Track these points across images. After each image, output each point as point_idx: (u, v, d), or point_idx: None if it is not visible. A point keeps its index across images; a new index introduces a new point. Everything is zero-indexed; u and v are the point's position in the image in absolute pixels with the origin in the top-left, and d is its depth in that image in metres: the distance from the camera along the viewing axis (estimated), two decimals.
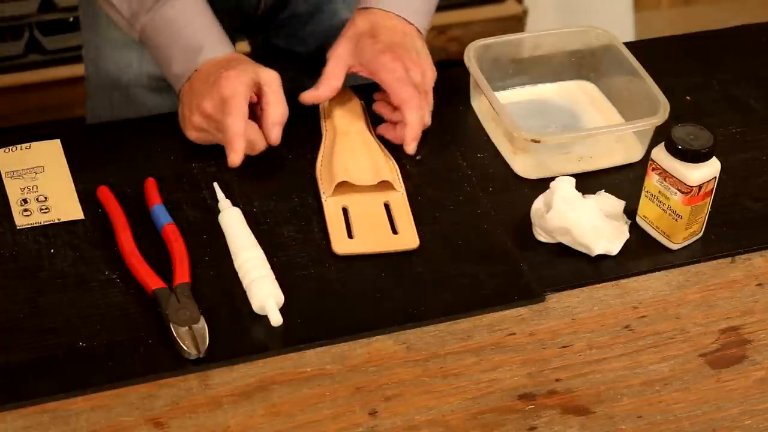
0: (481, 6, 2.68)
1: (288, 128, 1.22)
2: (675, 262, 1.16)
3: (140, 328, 1.06)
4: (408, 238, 1.16)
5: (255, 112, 1.21)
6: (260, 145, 1.19)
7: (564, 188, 1.15)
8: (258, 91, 1.20)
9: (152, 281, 1.08)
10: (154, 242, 1.13)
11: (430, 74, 1.26)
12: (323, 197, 1.19)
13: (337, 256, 1.14)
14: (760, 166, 1.29)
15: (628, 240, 1.17)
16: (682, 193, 1.13)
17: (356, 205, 1.19)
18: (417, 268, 1.14)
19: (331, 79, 1.24)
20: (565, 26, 1.43)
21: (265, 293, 1.07)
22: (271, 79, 1.19)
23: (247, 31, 1.49)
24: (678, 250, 1.17)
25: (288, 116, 1.21)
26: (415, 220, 1.18)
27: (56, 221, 1.16)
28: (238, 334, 1.06)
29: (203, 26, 1.22)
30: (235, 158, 1.17)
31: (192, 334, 1.04)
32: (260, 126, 1.20)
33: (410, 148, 1.22)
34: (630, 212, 1.19)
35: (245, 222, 1.15)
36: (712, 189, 1.14)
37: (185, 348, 1.03)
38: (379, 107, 1.27)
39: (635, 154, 1.27)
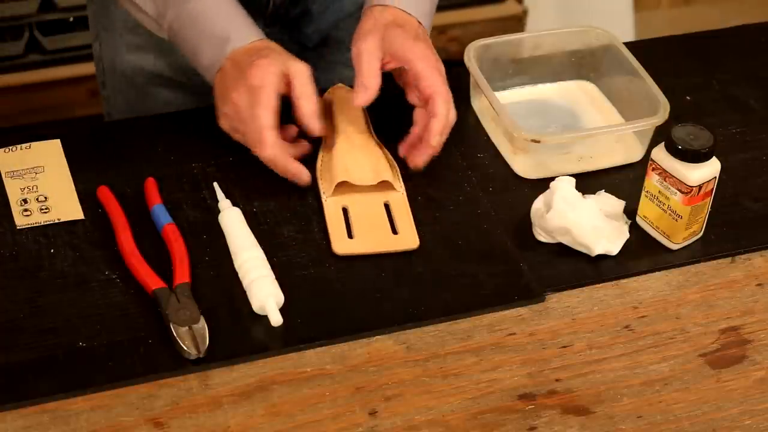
0: (481, 6, 2.68)
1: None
2: (675, 262, 1.16)
3: (140, 328, 1.06)
4: (408, 239, 1.16)
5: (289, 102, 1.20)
6: (305, 178, 1.18)
7: (564, 188, 1.15)
8: (288, 83, 1.18)
9: (152, 281, 1.08)
10: (154, 242, 1.13)
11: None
12: (323, 197, 1.19)
13: (338, 256, 1.14)
14: (760, 166, 1.29)
15: (628, 240, 1.17)
16: (682, 193, 1.13)
17: (356, 205, 1.19)
18: (417, 268, 1.14)
19: (372, 77, 1.19)
20: (565, 26, 1.43)
21: (265, 293, 1.07)
22: (299, 71, 1.17)
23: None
24: (678, 250, 1.17)
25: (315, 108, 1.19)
26: (415, 220, 1.18)
27: (56, 221, 1.16)
28: (238, 334, 1.06)
29: (229, 15, 1.21)
30: (267, 151, 1.15)
31: (192, 334, 1.04)
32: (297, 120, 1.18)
33: (434, 141, 1.19)
34: (630, 212, 1.19)
35: (245, 222, 1.15)
36: (712, 189, 1.14)
37: (185, 348, 1.03)
38: (411, 96, 1.24)
39: (635, 154, 1.27)
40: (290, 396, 1.02)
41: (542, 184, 1.19)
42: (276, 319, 1.06)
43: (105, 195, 1.18)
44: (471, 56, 1.29)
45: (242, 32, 1.20)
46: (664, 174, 1.13)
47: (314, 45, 1.41)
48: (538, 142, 1.22)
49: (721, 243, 1.18)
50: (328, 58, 1.45)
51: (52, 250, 1.14)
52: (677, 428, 1.01)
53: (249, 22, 1.22)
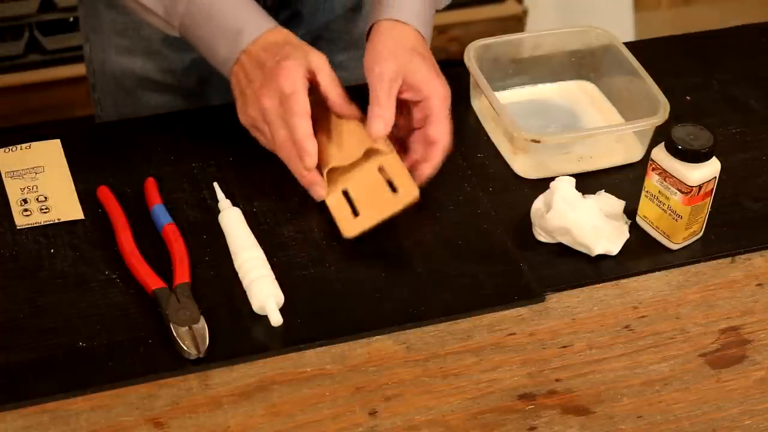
0: (481, 6, 2.68)
1: None
2: (675, 262, 1.16)
3: (140, 328, 1.06)
4: (407, 193, 1.15)
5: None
6: (322, 193, 1.18)
7: (564, 188, 1.15)
8: (311, 78, 1.17)
9: (152, 281, 1.08)
10: (154, 242, 1.13)
11: None
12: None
13: (336, 256, 1.14)
14: (760, 166, 1.29)
15: (628, 240, 1.17)
16: (682, 193, 1.13)
17: (354, 183, 1.18)
18: (417, 268, 1.14)
19: (390, 109, 1.16)
20: (565, 26, 1.43)
21: (265, 293, 1.07)
22: (321, 64, 1.17)
23: None
24: (678, 250, 1.17)
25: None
26: (415, 220, 1.18)
27: (56, 221, 1.16)
28: (238, 334, 1.06)
29: (239, 6, 1.20)
30: (309, 162, 1.14)
31: (192, 334, 1.04)
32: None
33: (421, 182, 1.18)
34: (630, 212, 1.19)
35: (245, 222, 1.15)
36: (712, 189, 1.14)
37: (185, 348, 1.03)
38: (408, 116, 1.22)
39: (635, 154, 1.27)
40: (290, 396, 1.02)
41: (542, 184, 1.19)
42: (276, 319, 1.06)
43: (105, 195, 1.18)
44: (471, 56, 1.29)
45: (254, 22, 1.19)
46: (664, 174, 1.13)
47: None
48: (538, 142, 1.22)
49: (721, 243, 1.18)
50: None
51: (52, 250, 1.14)
52: (677, 428, 1.01)
53: (260, 10, 1.21)
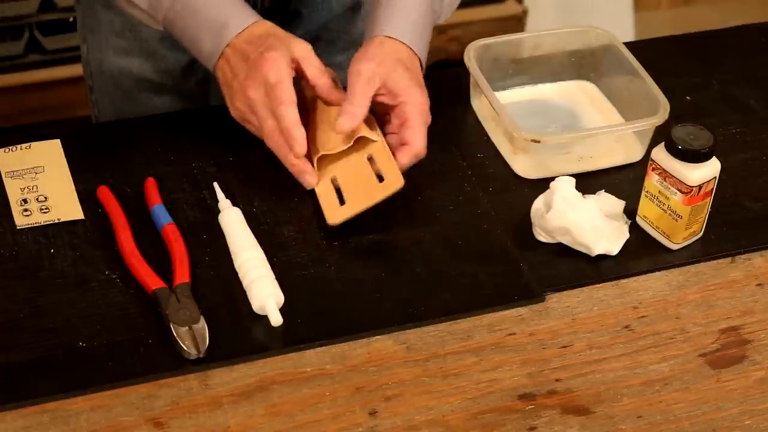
0: (481, 6, 2.68)
1: None
2: (675, 262, 1.16)
3: (140, 328, 1.06)
4: (392, 182, 1.16)
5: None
6: (312, 181, 1.19)
7: (564, 188, 1.15)
8: (295, 67, 1.18)
9: (152, 281, 1.08)
10: (154, 242, 1.13)
11: None
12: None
13: (336, 256, 1.14)
14: (760, 166, 1.29)
15: (628, 240, 1.17)
16: (682, 193, 1.13)
17: (342, 171, 1.19)
18: (417, 268, 1.14)
19: (361, 105, 1.18)
20: (565, 26, 1.43)
21: (265, 293, 1.07)
22: (305, 53, 1.18)
23: None
24: (678, 250, 1.17)
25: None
26: (415, 220, 1.18)
27: (56, 221, 1.16)
28: (238, 334, 1.06)
29: (223, 3, 1.21)
30: (299, 149, 1.15)
31: (192, 334, 1.04)
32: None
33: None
34: (630, 212, 1.19)
35: (245, 222, 1.15)
36: (712, 189, 1.14)
37: (185, 348, 1.03)
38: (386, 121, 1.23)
39: (635, 154, 1.27)
40: (290, 396, 1.02)
41: (542, 184, 1.19)
42: (276, 319, 1.06)
43: (105, 195, 1.18)
44: (471, 56, 1.29)
45: (239, 15, 1.20)
46: (664, 174, 1.13)
47: None
48: (538, 142, 1.22)
49: (721, 243, 1.18)
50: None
51: (52, 250, 1.14)
52: (677, 428, 1.01)
53: (244, 4, 1.21)
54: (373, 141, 1.20)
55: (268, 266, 1.10)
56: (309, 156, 1.20)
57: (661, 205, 1.15)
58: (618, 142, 1.27)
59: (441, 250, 1.16)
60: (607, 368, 1.06)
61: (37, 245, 1.14)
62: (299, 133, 1.15)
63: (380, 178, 1.18)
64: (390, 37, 1.22)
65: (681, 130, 1.13)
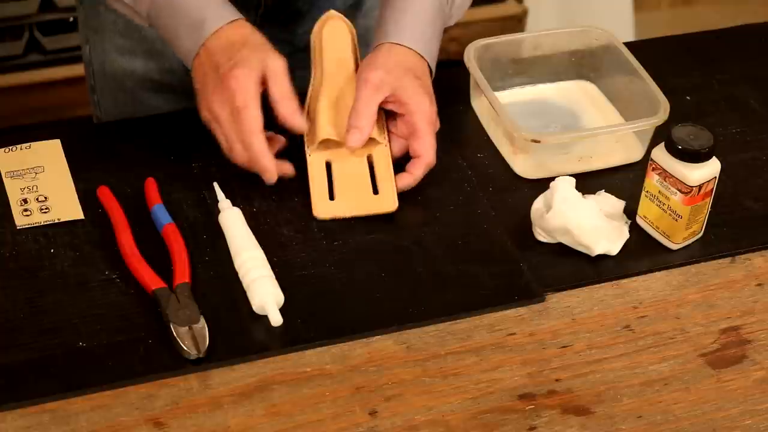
0: (481, 6, 2.68)
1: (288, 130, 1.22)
2: (675, 262, 1.16)
3: (140, 328, 1.06)
4: (387, 201, 1.17)
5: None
6: (289, 171, 1.18)
7: (564, 188, 1.15)
8: (265, 81, 1.17)
9: (152, 281, 1.08)
10: (154, 242, 1.13)
11: None
12: (307, 152, 1.20)
13: (336, 256, 1.14)
14: (760, 166, 1.29)
15: (628, 240, 1.17)
16: (682, 193, 1.13)
17: (340, 160, 1.20)
18: (417, 268, 1.14)
19: (367, 120, 1.18)
20: (565, 26, 1.43)
21: (265, 293, 1.07)
22: (276, 71, 1.16)
23: None
24: (678, 250, 1.17)
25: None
26: (415, 220, 1.18)
27: (56, 221, 1.16)
28: (238, 334, 1.06)
29: (202, 1, 1.19)
30: (269, 177, 1.16)
31: (192, 334, 1.04)
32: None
33: (398, 190, 1.20)
34: (630, 212, 1.19)
35: (245, 222, 1.15)
36: (712, 189, 1.14)
37: (185, 348, 1.03)
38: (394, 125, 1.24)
39: (635, 154, 1.27)
40: (290, 396, 1.02)
41: (542, 184, 1.19)
42: (276, 319, 1.06)
43: (105, 195, 1.18)
44: (471, 56, 1.29)
45: (217, 13, 1.19)
46: (664, 174, 1.13)
47: (305, 45, 1.41)
48: (538, 142, 1.22)
49: (721, 243, 1.18)
50: None
51: (52, 250, 1.13)
52: (677, 428, 1.01)
53: (225, 2, 1.20)
54: (378, 143, 1.20)
55: (268, 266, 1.10)
56: (311, 129, 1.20)
57: (661, 205, 1.15)
58: (618, 142, 1.27)
59: (441, 250, 1.16)
60: (607, 368, 1.06)
61: (37, 245, 1.14)
62: (268, 162, 1.15)
63: (374, 185, 1.19)
64: (399, 44, 1.22)
65: (681, 130, 1.13)
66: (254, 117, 1.14)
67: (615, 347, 1.08)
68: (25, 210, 1.17)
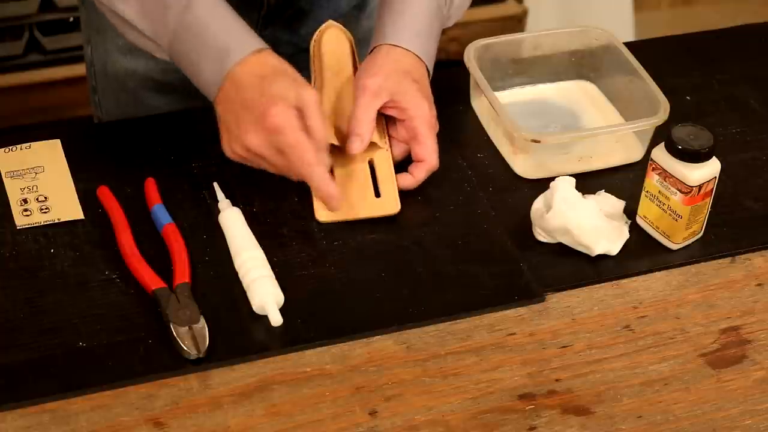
0: (481, 6, 2.68)
1: None
2: (675, 262, 1.16)
3: (140, 328, 1.06)
4: (389, 204, 1.17)
5: None
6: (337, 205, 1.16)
7: (564, 188, 1.15)
8: (299, 114, 1.14)
9: (152, 281, 1.08)
10: (154, 242, 1.13)
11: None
12: None
13: (336, 256, 1.14)
14: (760, 166, 1.29)
15: (628, 240, 1.17)
16: (682, 193, 1.13)
17: (341, 165, 1.20)
18: (417, 268, 1.14)
19: (366, 126, 1.18)
20: (565, 26, 1.43)
21: (265, 293, 1.07)
22: (310, 104, 1.13)
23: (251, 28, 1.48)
24: (678, 250, 1.17)
25: None
26: (415, 220, 1.18)
27: (56, 221, 1.16)
28: (238, 334, 1.06)
29: (228, 28, 1.17)
30: (337, 204, 1.14)
31: (192, 334, 1.04)
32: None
33: (400, 188, 1.20)
34: (630, 212, 1.19)
35: (245, 222, 1.15)
36: (712, 189, 1.14)
37: (185, 348, 1.03)
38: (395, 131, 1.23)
39: (635, 154, 1.27)
40: (290, 396, 1.02)
41: (542, 184, 1.19)
42: (276, 319, 1.06)
43: (105, 195, 1.18)
44: (471, 56, 1.29)
45: (242, 43, 1.16)
46: (664, 174, 1.13)
47: (308, 45, 1.42)
48: (538, 142, 1.22)
49: (721, 243, 1.18)
50: None
51: (52, 250, 1.14)
52: (677, 428, 1.01)
53: (247, 30, 1.18)
54: (379, 147, 1.20)
55: (268, 266, 1.10)
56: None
57: (661, 205, 1.15)
58: (618, 142, 1.27)
59: (441, 250, 1.16)
60: (607, 368, 1.06)
61: (37, 245, 1.14)
62: (333, 190, 1.13)
63: (376, 188, 1.19)
64: (396, 46, 1.22)
65: (681, 130, 1.13)
66: (310, 150, 1.12)
67: (615, 347, 1.08)
68: (25, 210, 1.17)
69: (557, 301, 1.12)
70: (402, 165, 1.22)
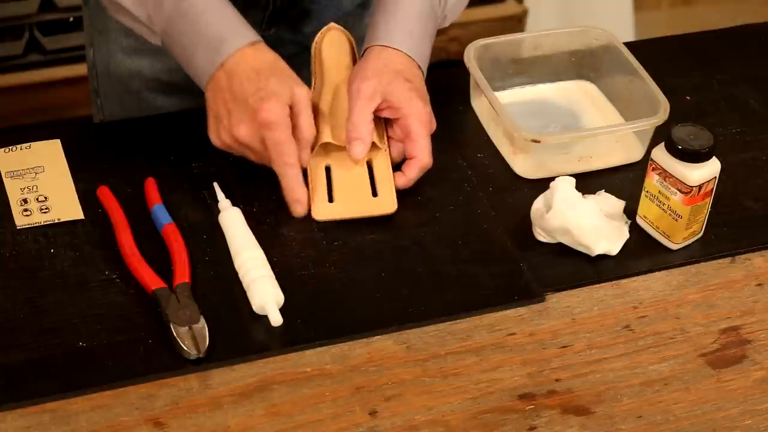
0: (481, 6, 2.68)
1: None
2: (675, 262, 1.16)
3: (140, 328, 1.06)
4: (386, 203, 1.18)
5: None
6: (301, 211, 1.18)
7: (564, 188, 1.15)
8: (291, 110, 1.16)
9: (152, 281, 1.08)
10: (154, 242, 1.13)
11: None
12: None
13: (336, 256, 1.14)
14: (760, 166, 1.29)
15: (628, 240, 1.17)
16: (682, 193, 1.13)
17: (339, 164, 1.20)
18: (417, 268, 1.14)
19: (363, 129, 1.19)
20: (565, 26, 1.43)
21: (265, 293, 1.07)
22: (303, 101, 1.15)
23: (256, 28, 1.48)
24: (678, 250, 1.17)
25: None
26: (415, 220, 1.18)
27: (56, 221, 1.16)
28: (238, 334, 1.06)
29: (223, 18, 1.18)
30: (300, 209, 1.17)
31: (192, 334, 1.04)
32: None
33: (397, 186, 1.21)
34: (630, 212, 1.19)
35: (245, 222, 1.15)
36: (712, 189, 1.14)
37: (185, 348, 1.03)
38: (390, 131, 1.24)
39: (635, 154, 1.27)
40: (290, 396, 1.02)
41: (542, 184, 1.19)
42: (276, 319, 1.06)
43: (105, 195, 1.18)
44: (471, 56, 1.29)
45: (237, 32, 1.18)
46: (664, 174, 1.13)
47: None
48: (538, 142, 1.22)
49: (721, 243, 1.18)
50: None
51: (52, 250, 1.14)
52: (677, 428, 1.01)
53: (243, 22, 1.19)
54: (378, 148, 1.20)
55: (268, 266, 1.10)
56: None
57: (661, 205, 1.15)
58: (618, 142, 1.27)
59: (441, 250, 1.16)
60: (607, 368, 1.06)
61: (37, 245, 1.14)
62: (302, 195, 1.16)
63: (373, 187, 1.19)
64: (388, 47, 1.22)
65: (681, 130, 1.13)
66: (292, 150, 1.14)
67: (615, 347, 1.08)
68: (25, 210, 1.17)
69: (557, 301, 1.12)
70: (401, 165, 1.22)
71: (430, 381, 1.04)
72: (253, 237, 1.13)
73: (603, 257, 1.15)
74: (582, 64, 1.37)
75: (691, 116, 1.29)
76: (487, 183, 1.24)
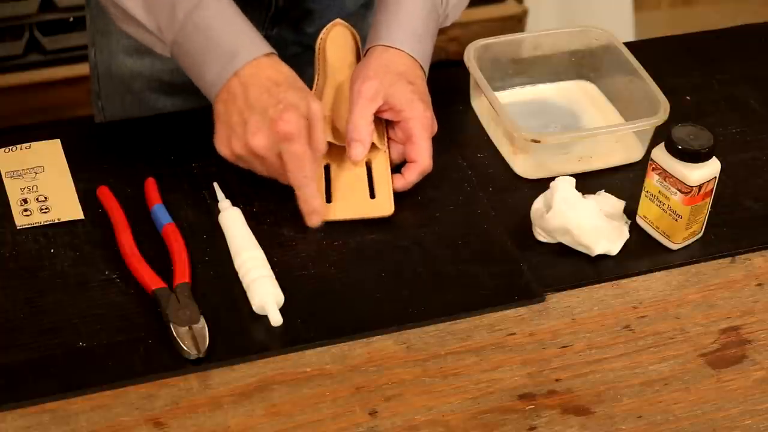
0: (481, 6, 2.68)
1: None
2: (675, 262, 1.16)
3: (140, 328, 1.06)
4: (383, 205, 1.18)
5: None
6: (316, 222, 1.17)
7: (564, 188, 1.15)
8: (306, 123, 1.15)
9: (152, 281, 1.08)
10: (154, 242, 1.13)
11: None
12: None
13: (336, 256, 1.14)
14: (760, 166, 1.29)
15: (628, 240, 1.17)
16: (682, 193, 1.13)
17: (338, 163, 1.20)
18: (417, 268, 1.14)
19: (363, 131, 1.18)
20: (565, 26, 1.43)
21: (265, 293, 1.07)
22: (317, 115, 1.14)
23: (258, 28, 1.48)
24: (678, 250, 1.17)
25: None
26: (415, 220, 1.18)
27: (56, 221, 1.16)
28: (238, 334, 1.06)
29: (238, 29, 1.17)
30: (316, 221, 1.15)
31: (192, 334, 1.04)
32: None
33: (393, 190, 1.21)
34: (630, 212, 1.19)
35: (245, 222, 1.15)
36: (712, 189, 1.15)
37: (185, 348, 1.03)
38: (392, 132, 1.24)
39: (635, 154, 1.27)
40: (290, 396, 1.02)
41: (542, 184, 1.19)
42: (276, 319, 1.06)
43: (105, 195, 1.18)
44: (471, 56, 1.29)
45: (252, 44, 1.16)
46: (664, 174, 1.13)
47: (315, 44, 1.42)
48: (538, 142, 1.22)
49: (721, 243, 1.18)
50: None
51: (52, 250, 1.14)
52: (677, 428, 1.01)
53: (257, 35, 1.18)
54: (377, 149, 1.20)
55: (268, 266, 1.10)
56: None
57: (661, 205, 1.15)
58: (618, 142, 1.27)
59: (441, 250, 1.16)
60: (607, 368, 1.06)
61: (37, 245, 1.14)
62: (319, 206, 1.15)
63: (372, 189, 1.19)
64: (390, 47, 1.22)
65: (681, 130, 1.13)
66: (310, 164, 1.13)
67: (615, 347, 1.08)
68: (25, 210, 1.17)
69: (557, 301, 1.12)
70: (401, 167, 1.22)
71: (430, 381, 1.04)
72: (253, 237, 1.13)
73: (603, 257, 1.15)
74: (582, 64, 1.37)
75: (691, 116, 1.29)
76: (487, 183, 1.24)
